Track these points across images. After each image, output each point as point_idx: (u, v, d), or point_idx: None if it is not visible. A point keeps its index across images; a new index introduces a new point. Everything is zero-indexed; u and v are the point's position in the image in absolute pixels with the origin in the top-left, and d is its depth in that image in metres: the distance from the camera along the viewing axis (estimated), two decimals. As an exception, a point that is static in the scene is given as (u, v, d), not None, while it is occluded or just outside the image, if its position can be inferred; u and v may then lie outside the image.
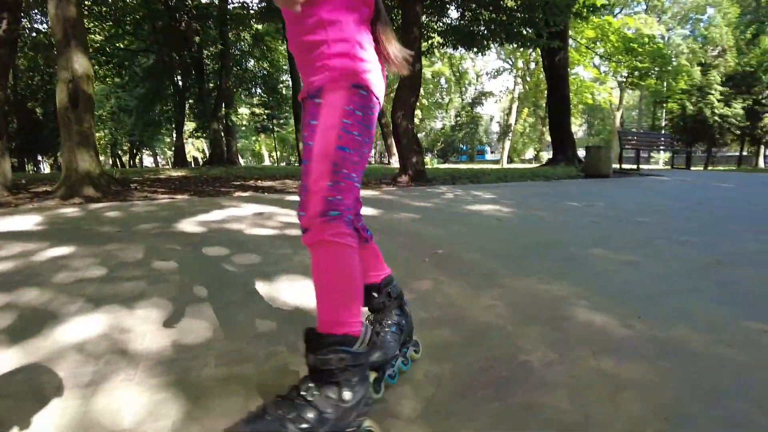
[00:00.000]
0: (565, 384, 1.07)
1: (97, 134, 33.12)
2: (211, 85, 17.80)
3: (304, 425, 0.84)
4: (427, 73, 35.37)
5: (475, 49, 9.33)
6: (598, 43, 15.26)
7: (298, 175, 8.62)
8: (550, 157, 14.47)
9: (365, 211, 3.59)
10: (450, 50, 10.76)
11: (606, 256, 2.26)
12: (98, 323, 1.47)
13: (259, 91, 19.95)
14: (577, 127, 44.50)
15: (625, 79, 16.03)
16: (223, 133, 17.37)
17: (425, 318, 1.48)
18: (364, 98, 0.93)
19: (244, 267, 2.09)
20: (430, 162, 35.95)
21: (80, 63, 5.03)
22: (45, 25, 18.36)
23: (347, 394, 0.87)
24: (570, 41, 20.26)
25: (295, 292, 1.75)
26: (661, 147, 10.52)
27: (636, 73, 14.21)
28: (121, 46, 17.41)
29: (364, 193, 5.20)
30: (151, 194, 5.58)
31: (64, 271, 2.02)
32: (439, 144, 42.51)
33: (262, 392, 1.06)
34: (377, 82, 0.97)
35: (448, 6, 8.08)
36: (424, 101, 37.75)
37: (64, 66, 4.98)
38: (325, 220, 0.88)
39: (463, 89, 40.65)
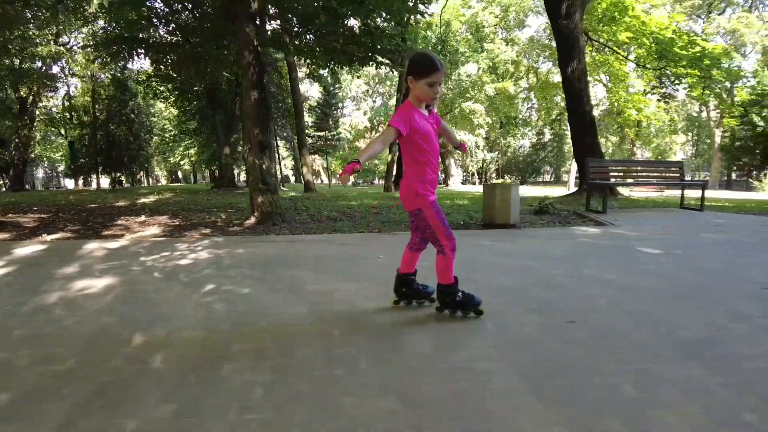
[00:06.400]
0: None
1: (192, 150, 36.47)
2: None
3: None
4: (488, 89, 33.20)
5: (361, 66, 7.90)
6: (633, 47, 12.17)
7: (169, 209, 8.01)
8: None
9: None
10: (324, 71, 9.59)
11: None
12: None
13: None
14: (679, 146, 37.35)
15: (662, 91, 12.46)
16: (234, 158, 17.97)
17: None
18: None
19: None
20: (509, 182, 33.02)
21: None
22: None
23: None
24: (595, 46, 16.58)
25: None
26: (664, 182, 7.31)
27: (667, 81, 10.89)
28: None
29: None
30: (28, 232, 5.52)
31: None
32: (501, 165, 39.25)
33: None
34: None
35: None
36: (488, 119, 35.30)
37: None
38: None
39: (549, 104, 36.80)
